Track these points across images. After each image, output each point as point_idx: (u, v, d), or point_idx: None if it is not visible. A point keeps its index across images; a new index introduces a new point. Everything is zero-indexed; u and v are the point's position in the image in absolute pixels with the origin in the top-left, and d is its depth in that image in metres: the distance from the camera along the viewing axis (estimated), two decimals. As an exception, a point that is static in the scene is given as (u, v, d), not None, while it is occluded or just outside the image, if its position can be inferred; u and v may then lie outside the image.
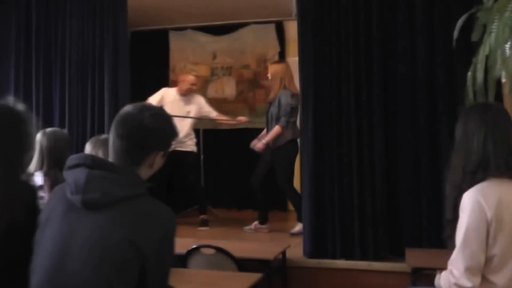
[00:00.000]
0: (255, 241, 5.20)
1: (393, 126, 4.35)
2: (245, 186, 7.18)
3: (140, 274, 1.64)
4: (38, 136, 2.90)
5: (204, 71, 7.67)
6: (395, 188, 4.33)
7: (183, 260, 3.81)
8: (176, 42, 7.73)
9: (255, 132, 7.22)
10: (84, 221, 1.68)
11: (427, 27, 4.25)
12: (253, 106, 7.44)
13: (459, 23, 3.24)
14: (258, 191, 5.82)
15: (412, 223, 4.24)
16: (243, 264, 3.72)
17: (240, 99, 7.53)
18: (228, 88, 7.59)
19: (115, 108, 5.09)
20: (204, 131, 7.07)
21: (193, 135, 6.25)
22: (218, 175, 7.43)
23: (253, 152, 7.15)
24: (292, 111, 5.48)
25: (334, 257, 4.39)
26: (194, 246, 3.81)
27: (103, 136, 3.40)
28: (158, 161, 1.88)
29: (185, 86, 6.13)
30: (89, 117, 5.19)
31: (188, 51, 7.69)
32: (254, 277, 3.23)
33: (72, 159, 1.78)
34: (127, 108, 1.89)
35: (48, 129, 3.51)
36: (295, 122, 5.54)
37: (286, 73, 5.56)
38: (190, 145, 6.17)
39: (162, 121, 1.88)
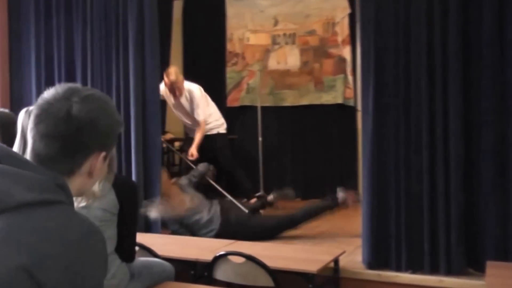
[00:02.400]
0: (304, 242, 4.74)
1: (474, 116, 3.79)
2: (310, 172, 6.85)
3: None
4: (21, 116, 2.57)
5: (264, 39, 7.40)
6: (475, 188, 3.81)
7: (209, 269, 3.47)
8: (233, 8, 7.49)
9: (323, 109, 6.85)
10: None
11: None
12: (320, 79, 7.01)
13: None
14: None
15: (496, 231, 3.73)
16: (280, 277, 3.33)
17: (305, 70, 7.18)
18: (291, 58, 7.25)
19: (142, 92, 4.78)
20: (263, 109, 6.69)
21: (213, 117, 6.25)
22: (279, 160, 7.08)
23: (320, 133, 6.78)
24: None
25: (398, 269, 3.94)
26: (221, 253, 3.45)
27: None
28: (99, 167, 1.45)
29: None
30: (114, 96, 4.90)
31: (246, 17, 7.43)
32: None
33: None
34: (49, 92, 1.45)
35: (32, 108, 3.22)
36: None
37: None
38: (214, 128, 6.23)
39: (99, 107, 1.44)
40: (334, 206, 5.03)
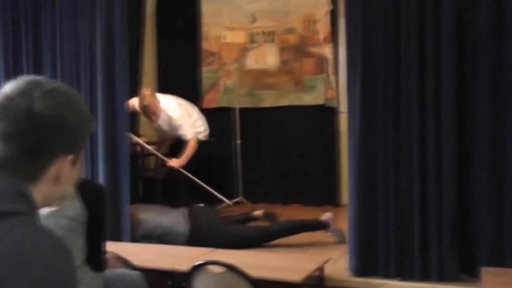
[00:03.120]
0: (287, 250, 4.61)
1: (467, 110, 3.71)
2: (291, 176, 6.75)
3: None
4: None
5: (241, 37, 7.24)
6: (469, 190, 3.74)
7: (187, 280, 3.33)
8: (208, 4, 7.33)
9: (303, 111, 6.75)
10: None
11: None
12: (299, 79, 6.90)
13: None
14: None
15: (491, 235, 3.67)
16: (263, 287, 3.21)
17: (285, 70, 7.04)
18: (270, 58, 7.11)
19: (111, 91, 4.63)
20: (242, 110, 6.59)
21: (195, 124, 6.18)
22: (259, 164, 6.95)
23: (300, 135, 6.68)
24: None
25: (387, 276, 3.83)
26: (199, 262, 3.31)
27: None
28: (68, 171, 1.30)
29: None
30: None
31: (223, 14, 7.27)
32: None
33: None
34: (10, 86, 1.29)
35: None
36: None
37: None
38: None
39: (64, 103, 1.28)
40: (315, 226, 4.87)
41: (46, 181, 1.26)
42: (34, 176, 1.24)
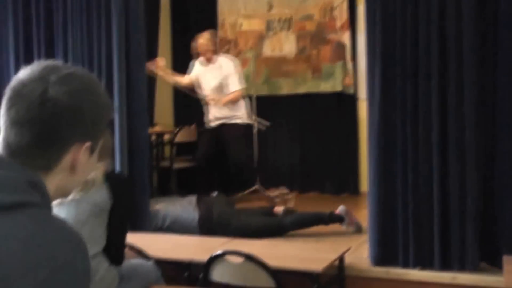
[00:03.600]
0: (306, 240, 4.54)
1: (489, 94, 3.59)
2: (309, 164, 6.69)
3: None
4: None
5: (258, 25, 7.17)
6: (491, 176, 3.60)
7: (204, 270, 3.29)
8: None
9: (320, 98, 6.68)
10: None
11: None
12: (317, 66, 6.81)
13: None
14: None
15: None
16: (282, 277, 3.15)
17: (302, 58, 6.95)
18: (287, 45, 7.03)
19: (127, 78, 4.56)
20: (258, 98, 6.50)
21: (237, 106, 6.07)
22: (276, 152, 6.90)
23: (318, 123, 6.61)
24: None
25: (407, 265, 3.73)
26: (217, 253, 3.26)
27: None
28: (84, 161, 1.24)
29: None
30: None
31: (239, 2, 7.21)
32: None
33: None
34: (24, 71, 1.23)
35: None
36: None
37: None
38: (234, 117, 6.05)
39: (82, 89, 1.22)
40: (330, 220, 4.78)
41: (60, 171, 1.20)
42: (47, 165, 1.19)
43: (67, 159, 1.20)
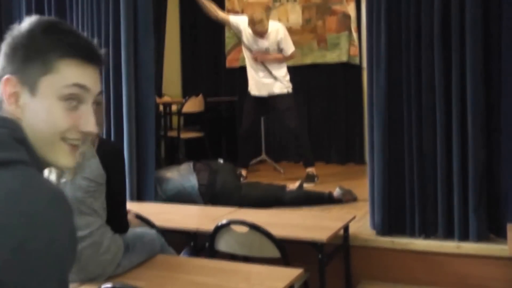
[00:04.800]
0: (311, 209, 4.52)
1: (493, 64, 3.47)
2: (315, 134, 6.62)
3: None
4: None
5: (265, -4, 7.00)
6: (495, 144, 3.50)
7: (210, 240, 3.24)
8: None
9: (326, 68, 6.59)
10: None
11: None
12: (323, 37, 6.70)
13: None
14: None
15: None
16: (287, 247, 3.09)
17: (308, 28, 6.88)
18: (293, 16, 6.95)
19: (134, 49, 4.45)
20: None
21: (281, 67, 5.73)
22: (282, 122, 6.76)
23: (324, 93, 6.52)
24: None
25: (412, 234, 3.65)
26: (223, 222, 3.21)
27: None
28: (9, 92, 1.15)
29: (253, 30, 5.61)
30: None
31: (245, -27, 7.07)
32: (290, 274, 2.58)
33: None
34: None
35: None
36: None
37: None
38: (278, 87, 5.71)
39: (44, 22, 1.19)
40: (328, 200, 4.71)
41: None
42: None
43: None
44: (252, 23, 5.52)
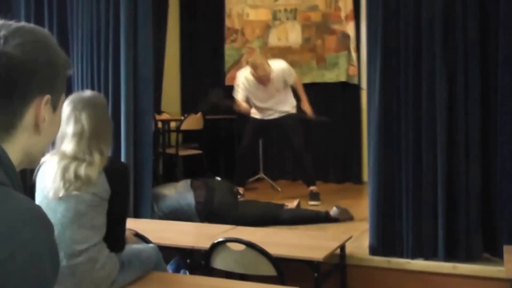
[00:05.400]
0: (308, 228, 4.49)
1: (491, 81, 3.47)
2: (314, 152, 6.60)
3: None
4: None
5: (264, 15, 7.10)
6: (491, 166, 3.50)
7: (206, 258, 3.21)
8: None
9: (325, 88, 6.59)
10: None
11: None
12: (322, 57, 6.71)
13: None
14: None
15: None
16: (283, 265, 3.07)
17: (307, 47, 6.89)
18: (292, 35, 6.96)
19: (134, 66, 4.45)
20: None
21: (288, 100, 5.80)
22: (280, 141, 6.77)
23: (322, 112, 6.52)
24: None
25: (408, 255, 3.62)
26: (219, 240, 3.19)
27: (88, 93, 2.83)
28: (47, 117, 1.14)
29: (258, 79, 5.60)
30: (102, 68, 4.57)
31: (245, -9, 7.10)
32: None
33: None
34: None
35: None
36: None
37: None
38: (284, 110, 5.76)
39: (34, 41, 1.13)
40: (324, 219, 4.69)
41: (24, 130, 1.11)
42: (10, 123, 1.09)
43: (29, 117, 1.11)
44: (253, 68, 5.52)
